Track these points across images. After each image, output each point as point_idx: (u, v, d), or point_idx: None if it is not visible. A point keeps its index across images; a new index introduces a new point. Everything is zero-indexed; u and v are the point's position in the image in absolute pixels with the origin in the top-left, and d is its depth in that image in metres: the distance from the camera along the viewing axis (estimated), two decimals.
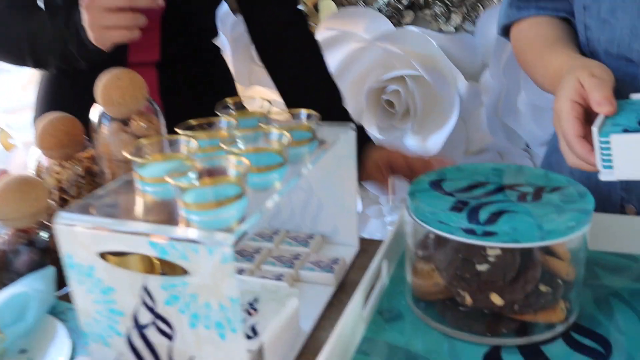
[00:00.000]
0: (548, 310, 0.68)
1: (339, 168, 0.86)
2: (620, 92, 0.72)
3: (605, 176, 0.69)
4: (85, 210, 0.57)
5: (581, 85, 0.72)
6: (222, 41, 1.62)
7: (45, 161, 0.97)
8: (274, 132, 0.66)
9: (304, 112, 0.76)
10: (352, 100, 1.46)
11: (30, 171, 0.98)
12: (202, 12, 1.21)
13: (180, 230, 0.51)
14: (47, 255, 0.86)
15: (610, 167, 0.68)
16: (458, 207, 0.67)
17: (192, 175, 0.57)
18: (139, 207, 0.59)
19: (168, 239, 0.50)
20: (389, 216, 1.71)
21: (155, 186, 0.61)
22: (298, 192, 0.91)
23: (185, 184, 0.53)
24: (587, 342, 0.67)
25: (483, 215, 0.65)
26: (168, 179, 0.53)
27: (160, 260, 0.64)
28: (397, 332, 0.70)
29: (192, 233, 0.50)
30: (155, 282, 0.54)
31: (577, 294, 0.71)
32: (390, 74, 1.41)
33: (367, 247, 0.92)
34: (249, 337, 0.59)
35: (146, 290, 0.54)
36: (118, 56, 1.04)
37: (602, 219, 0.84)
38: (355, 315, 0.65)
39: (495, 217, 0.64)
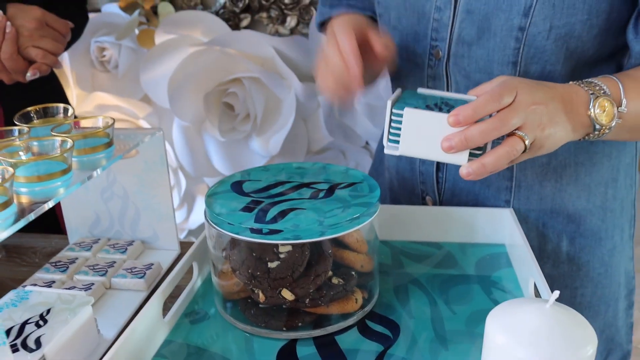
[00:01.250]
0: (341, 302, 0.71)
1: (151, 174, 0.86)
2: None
3: (389, 150, 0.71)
4: None
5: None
6: None
7: None
8: (57, 139, 0.66)
9: (101, 118, 0.75)
10: (192, 104, 1.46)
11: None
12: None
13: None
14: None
15: (396, 141, 0.70)
16: (249, 207, 0.69)
17: None
18: None
19: None
20: None
21: None
22: (115, 199, 0.90)
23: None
24: (378, 328, 0.71)
25: (271, 214, 0.67)
26: None
27: None
28: (201, 334, 0.71)
29: None
30: None
31: (375, 283, 0.75)
32: (228, 77, 1.42)
33: (185, 249, 0.93)
34: (31, 350, 0.58)
35: None
36: None
37: (406, 210, 0.90)
38: (151, 319, 0.66)
39: (281, 215, 0.67)
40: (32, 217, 0.55)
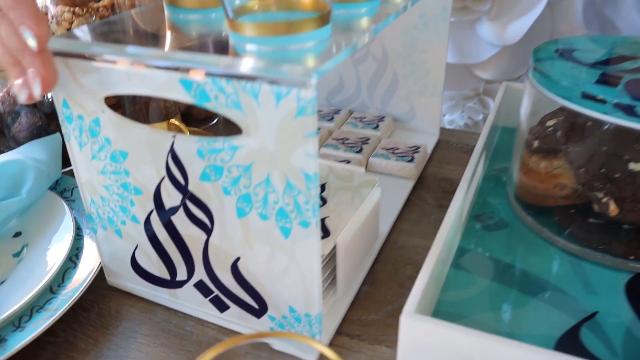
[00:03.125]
0: None
1: (425, 31, 0.66)
2: None
3: None
4: (89, 36, 0.39)
5: None
6: None
7: (54, 8, 0.78)
8: None
9: None
10: None
11: None
12: None
13: (231, 61, 0.32)
14: (53, 120, 0.69)
15: None
16: (609, 80, 0.48)
17: None
18: (167, 38, 0.41)
19: (210, 74, 0.32)
20: (448, 114, 1.51)
21: (193, 13, 0.42)
22: (369, 62, 0.71)
23: None
24: None
25: None
26: None
27: (190, 111, 0.47)
28: (503, 244, 0.52)
29: (251, 65, 0.31)
30: (188, 146, 0.36)
31: None
32: None
33: (446, 137, 0.74)
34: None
35: (174, 158, 0.37)
36: None
37: None
38: (455, 223, 0.48)
39: None
40: (355, 48, 0.36)
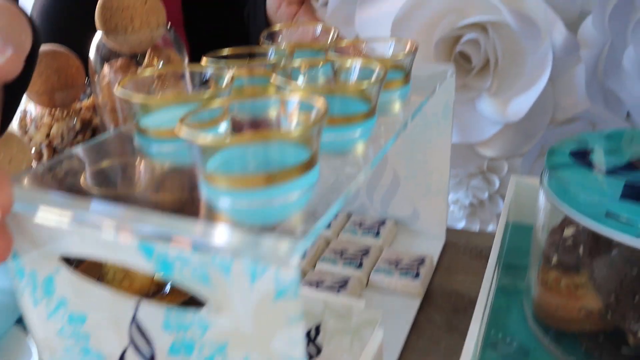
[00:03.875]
0: None
1: (427, 130, 0.61)
2: None
3: None
4: (43, 181, 0.34)
5: None
6: None
7: (33, 109, 0.74)
8: (357, 65, 0.42)
9: (392, 41, 0.51)
10: (419, 52, 1.20)
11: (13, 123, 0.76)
12: None
13: (195, 227, 0.27)
14: None
15: None
16: (635, 193, 0.43)
17: (223, 125, 0.34)
18: (136, 178, 0.36)
19: (172, 242, 0.27)
20: (452, 193, 1.46)
21: (165, 144, 0.37)
22: None
23: (211, 138, 0.29)
24: None
25: None
26: (180, 129, 0.29)
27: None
28: None
29: (219, 234, 0.26)
30: (152, 315, 0.30)
31: None
32: (467, 20, 1.14)
33: (452, 238, 0.68)
34: None
35: (138, 327, 0.31)
36: None
37: None
38: (470, 352, 0.42)
39: None
40: (350, 195, 0.31)
